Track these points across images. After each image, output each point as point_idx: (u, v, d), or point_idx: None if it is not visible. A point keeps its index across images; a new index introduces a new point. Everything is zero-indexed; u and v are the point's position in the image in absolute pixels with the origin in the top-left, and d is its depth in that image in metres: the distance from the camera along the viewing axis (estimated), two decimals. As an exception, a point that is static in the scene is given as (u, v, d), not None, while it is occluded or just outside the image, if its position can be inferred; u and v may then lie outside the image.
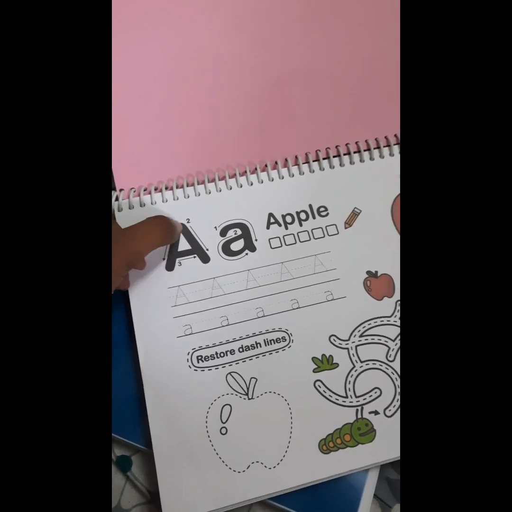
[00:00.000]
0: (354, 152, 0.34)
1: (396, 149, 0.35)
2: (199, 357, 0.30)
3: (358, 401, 0.29)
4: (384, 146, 0.35)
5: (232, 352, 0.30)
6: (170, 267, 0.31)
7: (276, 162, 0.34)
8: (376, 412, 0.29)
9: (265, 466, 0.28)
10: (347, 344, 0.30)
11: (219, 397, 0.29)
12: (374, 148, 0.34)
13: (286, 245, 0.32)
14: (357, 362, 0.30)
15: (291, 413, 0.29)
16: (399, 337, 0.30)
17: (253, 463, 0.28)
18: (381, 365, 0.30)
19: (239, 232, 0.33)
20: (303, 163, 0.34)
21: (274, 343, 0.30)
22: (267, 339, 0.30)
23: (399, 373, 0.30)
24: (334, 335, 0.30)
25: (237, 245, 0.32)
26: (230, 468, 0.28)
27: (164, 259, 0.32)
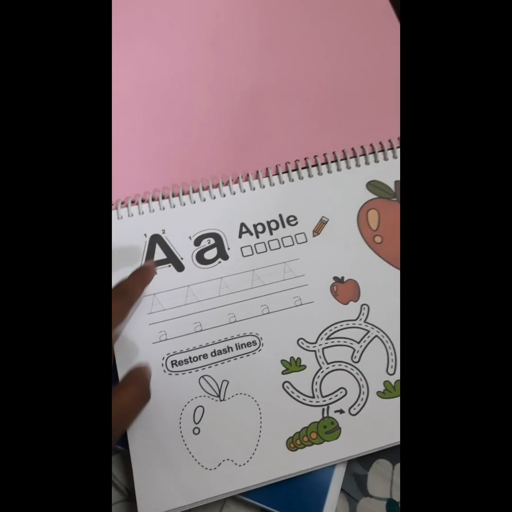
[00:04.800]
0: (322, 164, 0.36)
1: (362, 160, 0.36)
2: (174, 362, 0.31)
3: (324, 400, 0.31)
4: (350, 158, 0.36)
5: (205, 356, 0.31)
6: (146, 276, 0.33)
7: (248, 174, 0.36)
8: (341, 411, 0.30)
9: (236, 464, 0.29)
10: (315, 346, 0.32)
11: (192, 399, 0.30)
12: (341, 160, 0.36)
13: (257, 253, 0.34)
14: (323, 363, 0.32)
15: (260, 413, 0.30)
16: (363, 339, 0.32)
17: (224, 460, 0.29)
18: (346, 366, 0.31)
19: (212, 241, 0.34)
20: (273, 175, 0.36)
21: (245, 347, 0.32)
22: (238, 343, 0.32)
23: (363, 373, 0.31)
24: (302, 338, 0.32)
25: (210, 254, 0.34)
26: (202, 466, 0.29)
27: (140, 268, 0.33)
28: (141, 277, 0.32)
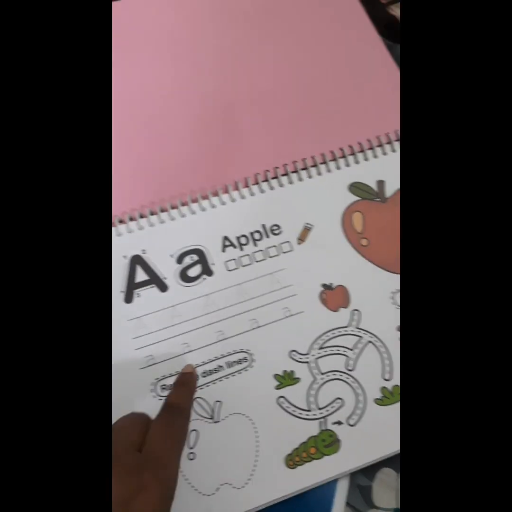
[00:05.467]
0: (302, 169, 0.35)
1: (342, 162, 0.36)
2: (164, 386, 0.30)
3: (321, 413, 0.30)
4: (330, 161, 0.36)
5: (195, 377, 0.31)
6: (128, 299, 0.32)
7: (226, 186, 0.35)
8: (339, 422, 0.30)
9: (234, 487, 0.28)
10: (307, 357, 0.31)
11: (185, 423, 0.30)
12: (321, 164, 0.35)
13: (242, 266, 0.33)
14: (318, 374, 0.31)
15: (256, 432, 0.29)
16: (356, 346, 0.31)
17: (222, 485, 0.28)
18: (341, 375, 0.31)
19: (195, 257, 0.33)
20: (253, 184, 0.35)
21: (236, 364, 0.31)
22: (229, 361, 0.31)
23: (359, 381, 0.30)
24: (294, 350, 0.31)
25: (194, 271, 0.33)
26: (199, 492, 0.28)
27: (122, 292, 0.32)
28: (187, 387, 0.29)
